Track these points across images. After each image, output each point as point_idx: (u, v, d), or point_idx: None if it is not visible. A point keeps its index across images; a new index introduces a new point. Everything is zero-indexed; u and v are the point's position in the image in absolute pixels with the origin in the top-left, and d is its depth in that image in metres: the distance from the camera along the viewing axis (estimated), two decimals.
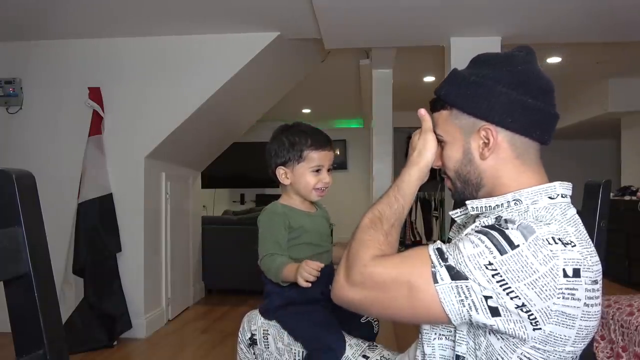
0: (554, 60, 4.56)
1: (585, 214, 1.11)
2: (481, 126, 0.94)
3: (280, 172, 1.38)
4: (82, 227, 3.16)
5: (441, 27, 3.22)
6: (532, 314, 0.79)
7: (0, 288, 0.64)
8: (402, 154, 8.21)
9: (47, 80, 3.46)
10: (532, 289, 0.78)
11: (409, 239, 8.01)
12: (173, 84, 3.39)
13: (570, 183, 0.96)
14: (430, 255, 0.85)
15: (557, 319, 0.81)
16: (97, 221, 3.19)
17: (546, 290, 0.79)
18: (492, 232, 0.83)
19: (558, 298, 0.79)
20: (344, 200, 8.03)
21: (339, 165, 8.48)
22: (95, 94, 3.31)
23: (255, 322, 1.38)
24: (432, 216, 8.05)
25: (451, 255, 0.83)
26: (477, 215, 0.98)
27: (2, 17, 3.06)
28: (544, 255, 0.79)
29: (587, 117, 5.86)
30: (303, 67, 4.53)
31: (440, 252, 0.84)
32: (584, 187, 1.16)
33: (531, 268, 0.79)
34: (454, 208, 1.11)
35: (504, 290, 0.79)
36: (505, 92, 0.91)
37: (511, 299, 0.79)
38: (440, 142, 1.02)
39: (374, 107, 4.84)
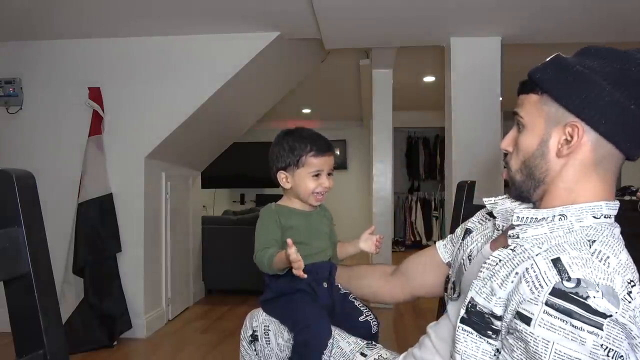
0: None
1: None
2: (569, 121, 0.86)
3: (281, 177, 1.40)
4: (82, 227, 3.16)
5: (441, 27, 3.22)
6: None
7: (0, 288, 0.64)
8: (402, 154, 8.22)
9: (47, 80, 3.46)
10: (635, 353, 0.76)
11: (409, 239, 8.01)
12: (173, 84, 3.39)
13: (617, 202, 0.90)
14: None
15: None
16: (97, 221, 3.19)
17: None
18: (577, 310, 0.74)
19: None
20: (344, 200, 8.03)
21: (339, 165, 8.48)
22: (95, 94, 3.31)
23: (256, 319, 1.39)
24: (432, 216, 8.04)
25: None
26: (513, 226, 0.93)
27: (2, 17, 3.06)
28: (633, 317, 0.75)
29: None
30: (303, 67, 4.53)
31: None
32: None
33: (630, 333, 0.75)
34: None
35: (621, 356, 0.75)
36: (608, 90, 0.83)
37: None
38: (519, 126, 0.94)
39: (374, 107, 4.84)
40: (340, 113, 7.73)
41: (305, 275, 1.19)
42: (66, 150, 3.41)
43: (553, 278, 0.77)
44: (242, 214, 5.11)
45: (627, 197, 5.06)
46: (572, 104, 0.86)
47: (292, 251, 1.17)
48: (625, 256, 0.82)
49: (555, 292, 0.76)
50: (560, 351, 0.74)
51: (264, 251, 1.30)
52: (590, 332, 0.73)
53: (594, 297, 0.74)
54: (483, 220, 1.13)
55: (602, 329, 0.73)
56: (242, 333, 1.42)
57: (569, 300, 0.75)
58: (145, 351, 3.18)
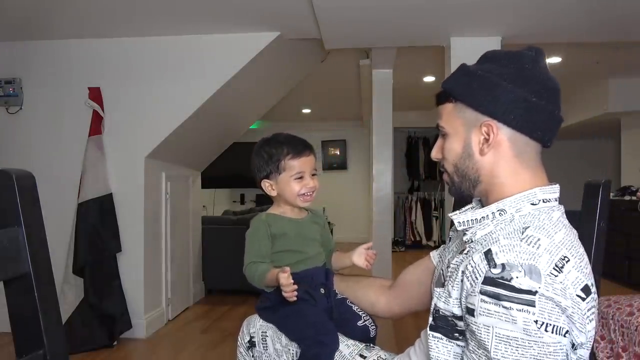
0: (554, 60, 4.56)
1: (585, 214, 1.11)
2: (483, 121, 0.94)
3: (266, 185, 1.40)
4: (82, 227, 3.16)
5: (441, 27, 3.22)
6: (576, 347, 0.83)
7: (0, 288, 0.64)
8: (402, 154, 8.23)
9: (47, 80, 3.46)
10: (573, 324, 0.80)
11: (409, 239, 8.01)
12: (173, 84, 3.39)
13: (555, 185, 0.96)
14: None
15: (588, 344, 0.84)
16: (97, 221, 3.19)
17: (581, 320, 0.81)
18: (504, 292, 0.80)
19: (588, 323, 0.82)
20: (344, 200, 8.02)
21: (339, 165, 8.47)
22: (95, 94, 3.32)
23: (253, 325, 1.39)
24: (432, 216, 8.04)
25: (522, 357, 0.80)
26: (464, 231, 0.97)
27: (2, 17, 3.06)
28: (560, 290, 0.80)
29: (587, 117, 5.86)
30: (303, 67, 4.53)
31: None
32: (584, 187, 1.15)
33: (560, 305, 0.79)
34: (454, 209, 1.10)
35: (561, 335, 0.80)
36: (510, 88, 0.91)
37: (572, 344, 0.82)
38: (443, 135, 1.02)
39: (374, 107, 4.85)
40: (340, 113, 7.73)
41: (295, 299, 1.19)
42: (66, 150, 3.41)
43: (484, 268, 0.84)
44: (242, 214, 5.11)
45: (627, 197, 5.07)
46: (482, 106, 0.94)
47: (284, 276, 1.17)
48: (561, 236, 0.87)
49: (486, 280, 0.82)
50: (499, 334, 0.80)
51: (255, 266, 1.31)
52: (519, 310, 0.79)
53: (517, 277, 0.80)
54: (457, 230, 1.15)
55: (534, 306, 0.78)
56: (239, 339, 1.42)
57: (497, 285, 0.81)
58: (145, 351, 3.18)
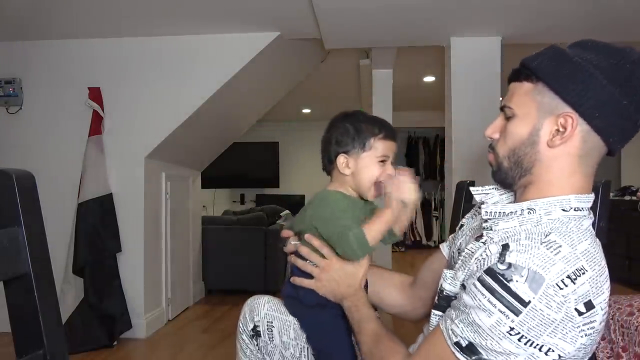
0: None
1: None
2: (563, 111, 0.86)
3: (341, 161, 1.23)
4: (82, 227, 3.16)
5: (441, 27, 3.22)
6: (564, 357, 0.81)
7: (0, 288, 0.64)
8: (402, 154, 8.22)
9: (47, 80, 3.45)
10: (555, 336, 0.79)
11: (409, 239, 8.01)
12: (173, 84, 3.38)
13: (591, 195, 0.91)
14: (454, 354, 0.85)
15: (580, 352, 0.82)
16: (97, 221, 3.19)
17: (569, 333, 0.79)
18: (498, 289, 0.80)
19: (581, 337, 0.80)
20: None
21: None
22: (95, 94, 3.31)
23: (258, 313, 1.30)
24: (432, 216, 8.04)
25: (474, 341, 0.82)
26: (486, 220, 0.94)
27: (2, 17, 3.06)
28: (557, 304, 0.78)
29: None
30: (303, 67, 4.53)
31: (460, 346, 0.84)
32: None
33: (548, 319, 0.78)
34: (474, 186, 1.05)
35: (534, 347, 0.79)
36: (605, 84, 0.83)
37: (545, 353, 0.79)
38: (507, 116, 0.95)
39: (374, 107, 4.84)
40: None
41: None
42: (66, 150, 3.41)
43: (494, 259, 0.83)
44: (242, 214, 5.10)
45: (627, 197, 5.07)
46: (569, 94, 0.85)
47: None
48: (585, 246, 0.83)
49: (489, 271, 0.82)
50: (470, 319, 0.83)
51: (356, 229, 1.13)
52: (501, 311, 0.79)
53: (517, 281, 0.79)
54: (475, 215, 1.12)
55: (517, 315, 0.78)
56: (240, 326, 1.32)
57: (497, 280, 0.81)
58: (145, 351, 3.18)
